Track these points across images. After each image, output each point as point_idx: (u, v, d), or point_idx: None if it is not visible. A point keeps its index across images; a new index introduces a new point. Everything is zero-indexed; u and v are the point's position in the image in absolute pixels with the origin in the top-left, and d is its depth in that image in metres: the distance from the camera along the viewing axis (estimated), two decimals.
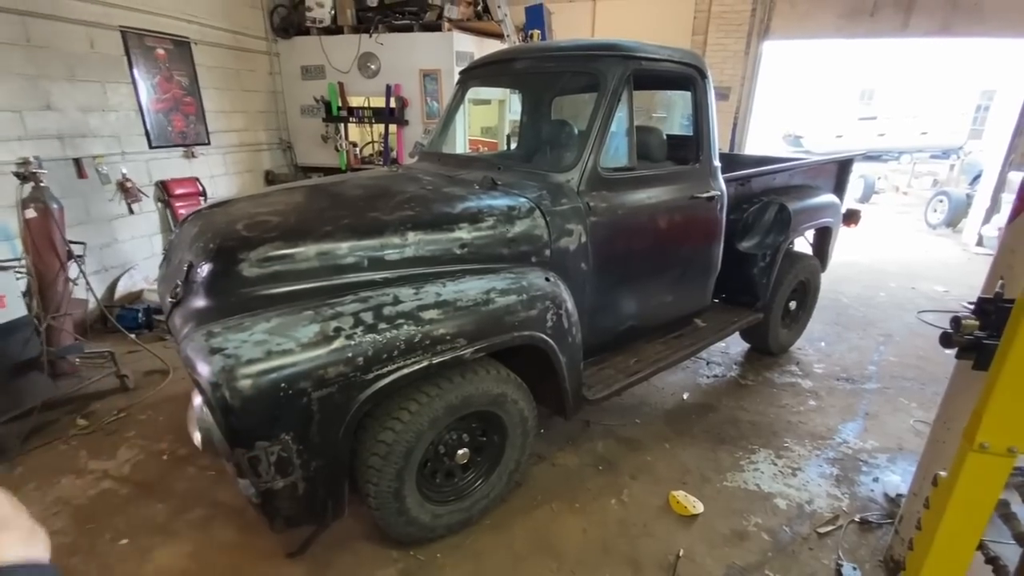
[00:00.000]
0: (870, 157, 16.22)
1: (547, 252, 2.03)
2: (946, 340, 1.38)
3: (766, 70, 6.68)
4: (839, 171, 3.88)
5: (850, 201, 8.55)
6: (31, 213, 2.68)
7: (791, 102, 19.51)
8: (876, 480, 2.38)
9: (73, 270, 2.91)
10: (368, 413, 1.67)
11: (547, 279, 1.95)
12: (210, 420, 1.45)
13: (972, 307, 1.37)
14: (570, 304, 2.00)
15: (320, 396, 1.46)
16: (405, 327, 1.59)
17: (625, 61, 2.17)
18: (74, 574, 1.83)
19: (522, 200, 2.02)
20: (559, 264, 2.06)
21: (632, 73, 2.18)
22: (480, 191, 2.09)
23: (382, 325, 1.57)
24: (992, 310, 1.35)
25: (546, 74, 2.73)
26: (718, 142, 2.64)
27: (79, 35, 3.57)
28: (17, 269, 2.59)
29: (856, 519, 2.13)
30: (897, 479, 2.37)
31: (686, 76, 2.43)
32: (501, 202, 2.00)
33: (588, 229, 2.11)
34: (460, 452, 1.93)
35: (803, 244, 3.74)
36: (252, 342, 1.44)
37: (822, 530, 2.07)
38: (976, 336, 1.37)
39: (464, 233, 1.88)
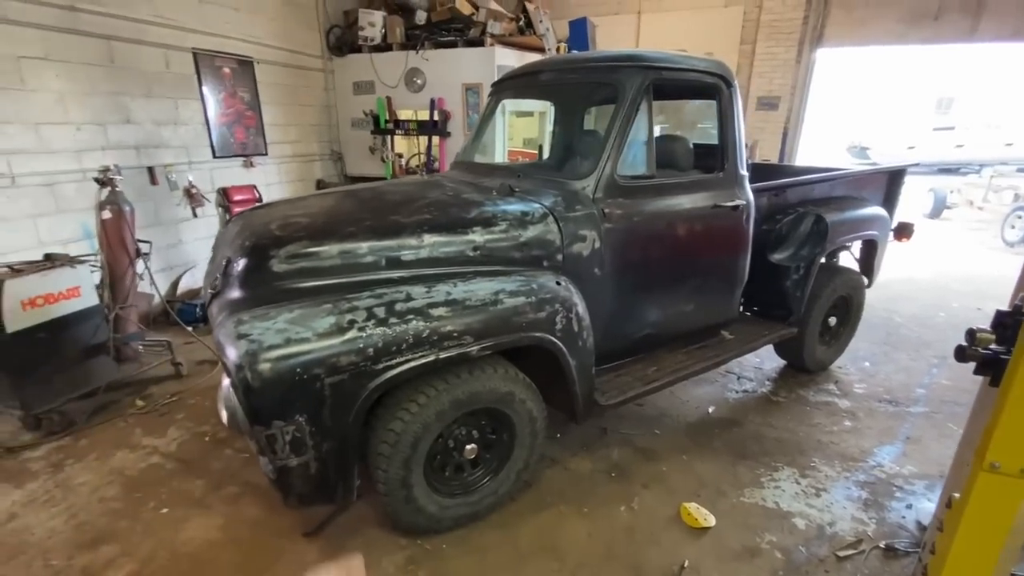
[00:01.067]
0: (946, 170, 15.19)
1: (559, 257, 2.07)
2: (961, 354, 1.32)
3: (819, 78, 6.45)
4: (889, 182, 3.70)
5: (916, 216, 8.04)
6: (107, 214, 3.01)
7: (858, 111, 18.56)
8: (909, 507, 2.24)
9: (140, 266, 3.23)
10: (379, 403, 1.77)
11: (558, 283, 2.00)
12: (234, 400, 1.59)
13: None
14: (581, 308, 2.04)
15: (332, 382, 1.58)
16: (415, 322, 1.69)
17: (644, 71, 2.20)
18: (120, 535, 2.03)
19: (536, 206, 2.09)
20: (572, 269, 2.10)
21: (651, 83, 2.21)
22: (497, 197, 2.17)
23: (393, 320, 1.67)
24: (1009, 323, 1.29)
25: (570, 85, 2.79)
26: (745, 151, 2.61)
27: (157, 56, 3.98)
28: (92, 263, 2.91)
29: (881, 545, 2.02)
30: (932, 507, 2.22)
31: (710, 85, 2.42)
32: (515, 207, 2.08)
33: (602, 235, 2.15)
34: (468, 447, 2.00)
35: (850, 259, 3.60)
36: (274, 330, 1.58)
37: (842, 553, 1.98)
38: (994, 351, 1.30)
39: (477, 236, 1.97)
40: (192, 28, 4.19)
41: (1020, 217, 7.09)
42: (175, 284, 4.35)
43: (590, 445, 2.63)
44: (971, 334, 1.30)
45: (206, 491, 2.28)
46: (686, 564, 1.92)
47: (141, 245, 3.19)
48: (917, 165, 4.06)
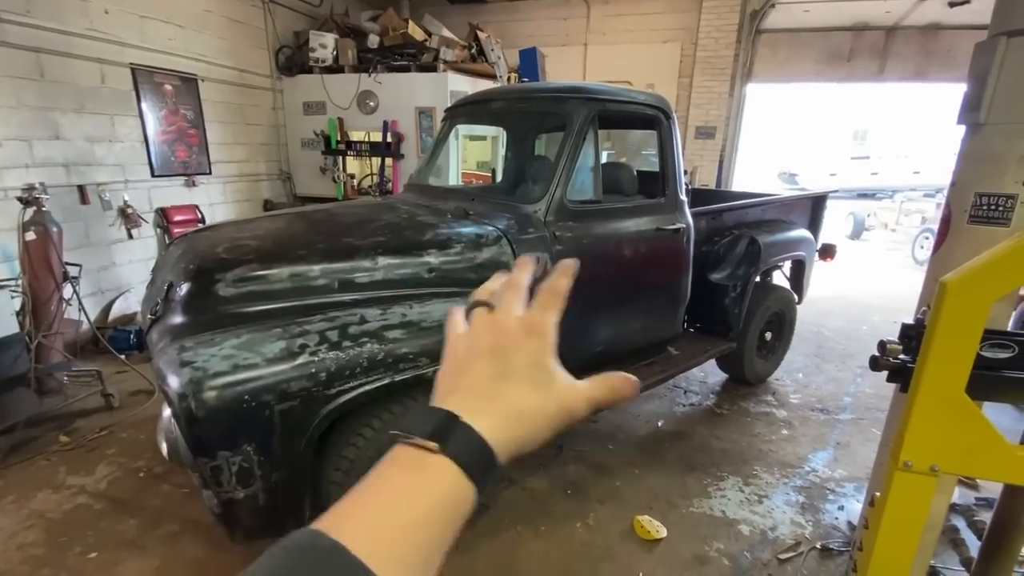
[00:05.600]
0: (863, 195, 16.64)
1: None
2: (874, 363, 1.46)
3: (751, 110, 6.96)
4: (813, 207, 4.02)
5: (838, 238, 8.75)
6: (31, 236, 2.82)
7: (787, 141, 20.04)
8: (841, 508, 2.40)
9: (68, 291, 3.02)
10: (332, 429, 1.73)
11: None
12: (176, 430, 1.52)
13: None
14: None
15: (282, 409, 1.54)
16: (369, 345, 1.68)
17: (590, 103, 2.33)
18: None
19: (490, 229, 2.14)
20: None
21: (597, 114, 2.33)
22: (451, 220, 2.21)
23: (346, 343, 1.65)
24: (914, 335, 1.44)
25: (521, 113, 2.90)
26: (685, 178, 2.78)
27: (91, 71, 3.80)
28: (13, 288, 2.70)
29: (817, 546, 2.15)
30: (860, 507, 2.39)
31: (651, 117, 2.58)
32: (470, 230, 2.12)
33: (554, 257, 2.22)
34: None
35: (782, 278, 3.86)
36: (220, 356, 1.53)
37: (783, 556, 2.09)
38: (902, 360, 1.45)
39: (432, 258, 1.99)
40: (131, 43, 4.04)
41: (927, 238, 7.83)
42: (107, 309, 4.08)
43: (547, 463, 2.66)
44: (882, 346, 1.44)
45: (140, 531, 2.13)
46: None
47: (69, 268, 3.00)
48: (837, 191, 4.44)
